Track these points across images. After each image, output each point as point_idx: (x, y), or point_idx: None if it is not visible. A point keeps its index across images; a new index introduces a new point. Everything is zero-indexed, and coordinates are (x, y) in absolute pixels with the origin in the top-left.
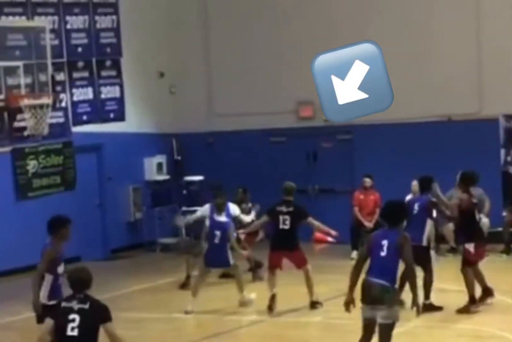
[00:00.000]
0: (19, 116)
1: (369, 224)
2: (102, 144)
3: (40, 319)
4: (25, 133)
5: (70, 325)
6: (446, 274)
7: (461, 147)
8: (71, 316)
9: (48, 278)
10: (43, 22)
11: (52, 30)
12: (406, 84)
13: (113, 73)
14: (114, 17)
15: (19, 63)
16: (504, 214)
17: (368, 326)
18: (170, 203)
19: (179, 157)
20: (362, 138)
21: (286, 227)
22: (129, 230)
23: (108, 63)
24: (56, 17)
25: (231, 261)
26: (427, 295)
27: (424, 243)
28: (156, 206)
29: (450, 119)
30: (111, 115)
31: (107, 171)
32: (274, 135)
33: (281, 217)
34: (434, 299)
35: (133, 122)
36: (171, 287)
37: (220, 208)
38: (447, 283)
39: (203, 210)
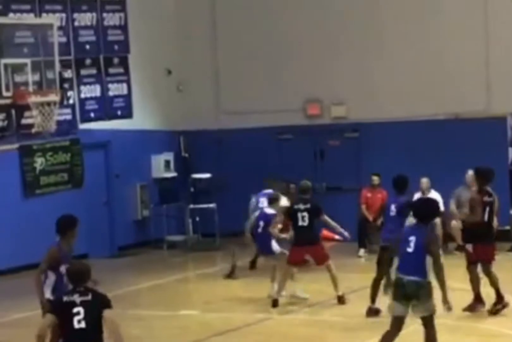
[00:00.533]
0: (26, 114)
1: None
2: (110, 142)
3: None
4: (33, 130)
5: (76, 318)
6: (453, 273)
7: (469, 146)
8: (76, 309)
9: (51, 277)
10: (51, 19)
11: (60, 27)
12: (414, 82)
13: (121, 70)
14: (122, 14)
15: (27, 61)
16: None
17: (398, 322)
18: (177, 200)
19: (187, 155)
20: (369, 137)
21: (305, 224)
22: (136, 228)
23: (115, 60)
24: (64, 14)
25: (275, 249)
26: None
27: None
28: (164, 203)
29: (458, 117)
30: (119, 112)
31: (114, 168)
32: (281, 133)
33: (299, 214)
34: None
35: (141, 120)
36: (178, 284)
37: (275, 200)
38: (453, 281)
39: (253, 205)
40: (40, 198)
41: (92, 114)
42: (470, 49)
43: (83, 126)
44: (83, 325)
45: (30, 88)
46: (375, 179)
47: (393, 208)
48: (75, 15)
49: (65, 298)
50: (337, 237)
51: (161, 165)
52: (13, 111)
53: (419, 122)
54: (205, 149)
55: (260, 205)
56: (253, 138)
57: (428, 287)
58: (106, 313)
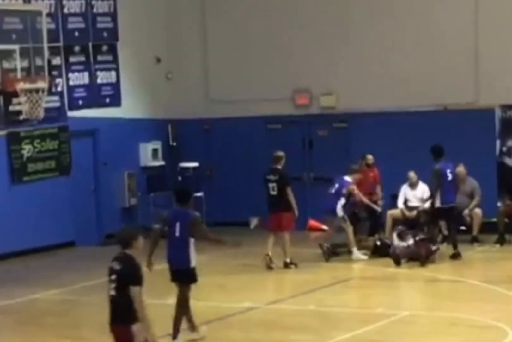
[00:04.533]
0: (14, 100)
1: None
2: (98, 130)
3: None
4: (21, 117)
5: (111, 285)
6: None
7: (457, 137)
8: (113, 276)
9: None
10: (40, 6)
11: (49, 14)
12: (403, 73)
13: (110, 58)
14: (111, 1)
15: (15, 47)
16: (499, 204)
17: None
18: (165, 189)
19: (175, 144)
20: (357, 127)
21: (274, 193)
22: (124, 216)
23: (104, 48)
24: (53, 1)
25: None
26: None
27: None
28: (151, 191)
29: (446, 109)
30: (107, 100)
31: (102, 156)
32: (270, 123)
33: (270, 185)
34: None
35: (129, 108)
36: (165, 273)
37: (354, 171)
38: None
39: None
40: (27, 185)
41: (80, 102)
42: (459, 40)
43: (71, 113)
44: (113, 292)
45: (19, 75)
46: (370, 158)
47: (449, 173)
48: (64, 2)
49: (110, 264)
50: (324, 227)
51: (149, 154)
52: (1, 98)
53: (408, 113)
54: (193, 138)
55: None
56: (242, 128)
57: None
58: (133, 289)
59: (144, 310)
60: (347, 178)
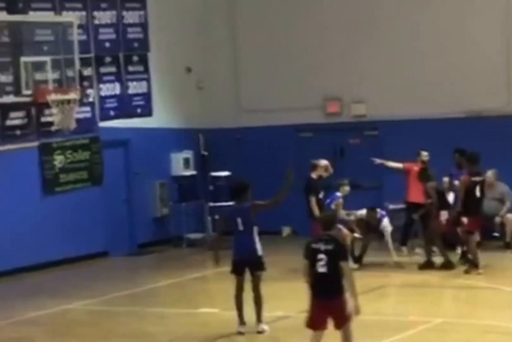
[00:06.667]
0: (46, 111)
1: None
2: (129, 140)
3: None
4: (53, 128)
5: (319, 263)
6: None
7: (490, 143)
8: (320, 256)
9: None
10: (71, 17)
11: (80, 25)
12: (434, 80)
13: (141, 68)
14: (141, 12)
15: (47, 58)
16: None
17: None
18: (196, 198)
19: (206, 153)
20: (389, 135)
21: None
22: (155, 225)
23: (135, 58)
24: (83, 12)
25: None
26: None
27: None
28: (183, 201)
29: (479, 115)
30: (138, 110)
31: (134, 166)
32: (301, 131)
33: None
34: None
35: (160, 118)
36: (197, 282)
37: None
38: (477, 279)
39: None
40: (59, 195)
41: (111, 112)
42: (492, 46)
43: (103, 124)
44: (325, 269)
45: (50, 86)
46: (425, 154)
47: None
48: (95, 13)
49: (313, 245)
50: (356, 235)
51: (180, 163)
52: (33, 109)
53: (439, 120)
54: (225, 147)
55: None
56: (273, 136)
57: None
58: (344, 264)
59: (354, 280)
60: (338, 193)
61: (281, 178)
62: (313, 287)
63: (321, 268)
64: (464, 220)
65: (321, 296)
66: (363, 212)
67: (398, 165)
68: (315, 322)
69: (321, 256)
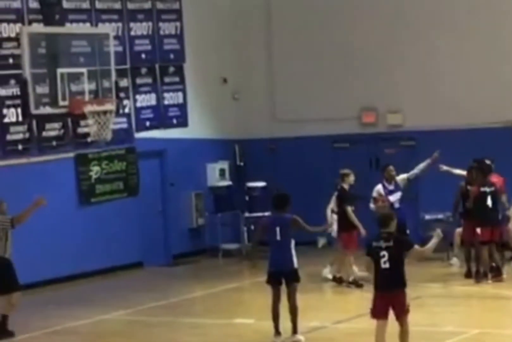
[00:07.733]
0: (82, 122)
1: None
2: (165, 150)
3: None
4: (89, 139)
5: (382, 259)
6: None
7: None
8: (382, 253)
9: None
10: (107, 28)
11: (116, 37)
12: (471, 89)
13: (176, 79)
14: (177, 23)
15: (83, 70)
16: None
17: None
18: (232, 208)
19: (242, 163)
20: (425, 145)
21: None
22: (191, 236)
23: (171, 69)
24: (120, 24)
25: None
26: None
27: None
28: (219, 211)
29: None
30: (174, 121)
31: (169, 176)
32: (336, 142)
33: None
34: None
35: (196, 128)
36: (233, 293)
37: None
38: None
39: None
40: (95, 206)
41: (147, 123)
42: None
43: (138, 135)
44: (387, 265)
45: (86, 97)
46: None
47: None
48: (131, 24)
49: (374, 243)
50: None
51: (216, 174)
52: (69, 120)
53: (476, 130)
54: (260, 157)
55: None
56: (308, 147)
57: None
58: (412, 250)
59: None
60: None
61: (316, 189)
62: (378, 281)
63: (384, 264)
64: (478, 230)
65: (385, 288)
66: None
67: (463, 172)
68: (378, 312)
69: (383, 252)
